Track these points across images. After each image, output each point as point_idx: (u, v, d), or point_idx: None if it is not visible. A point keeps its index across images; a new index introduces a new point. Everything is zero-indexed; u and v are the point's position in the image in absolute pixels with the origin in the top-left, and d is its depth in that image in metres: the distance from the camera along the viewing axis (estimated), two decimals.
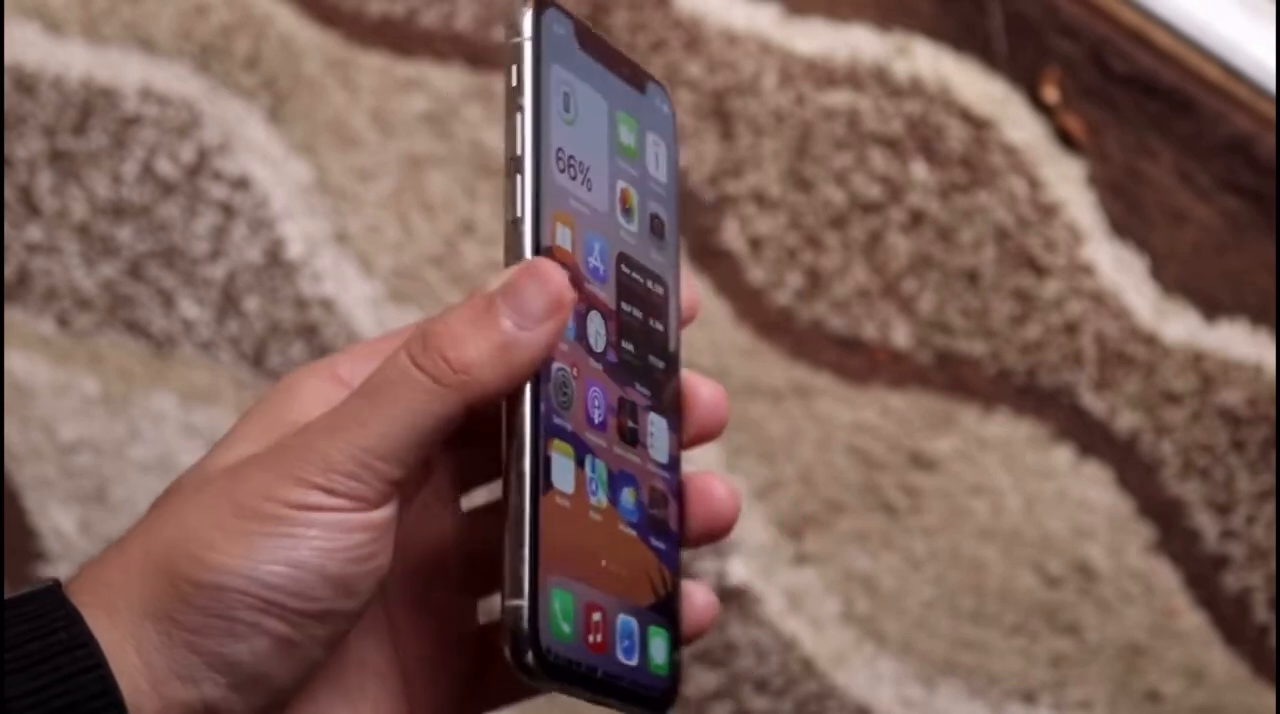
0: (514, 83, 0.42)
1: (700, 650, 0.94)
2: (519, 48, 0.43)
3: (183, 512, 0.39)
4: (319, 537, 0.38)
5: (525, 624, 0.40)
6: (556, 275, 0.41)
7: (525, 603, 0.40)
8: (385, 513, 0.39)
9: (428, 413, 0.39)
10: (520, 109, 0.42)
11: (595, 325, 0.44)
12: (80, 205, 0.99)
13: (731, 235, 0.98)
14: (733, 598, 0.94)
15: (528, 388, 0.41)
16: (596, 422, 0.43)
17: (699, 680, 0.94)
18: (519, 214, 0.42)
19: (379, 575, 0.40)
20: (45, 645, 0.37)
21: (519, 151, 0.42)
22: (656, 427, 0.46)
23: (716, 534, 0.47)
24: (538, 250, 0.42)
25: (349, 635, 0.41)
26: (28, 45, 1.01)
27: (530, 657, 0.40)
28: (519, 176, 0.42)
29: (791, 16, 1.01)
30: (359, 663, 0.43)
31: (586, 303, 0.43)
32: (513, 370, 0.40)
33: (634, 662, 0.43)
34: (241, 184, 0.99)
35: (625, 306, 0.45)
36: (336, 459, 0.38)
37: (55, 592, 0.39)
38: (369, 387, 0.40)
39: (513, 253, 0.42)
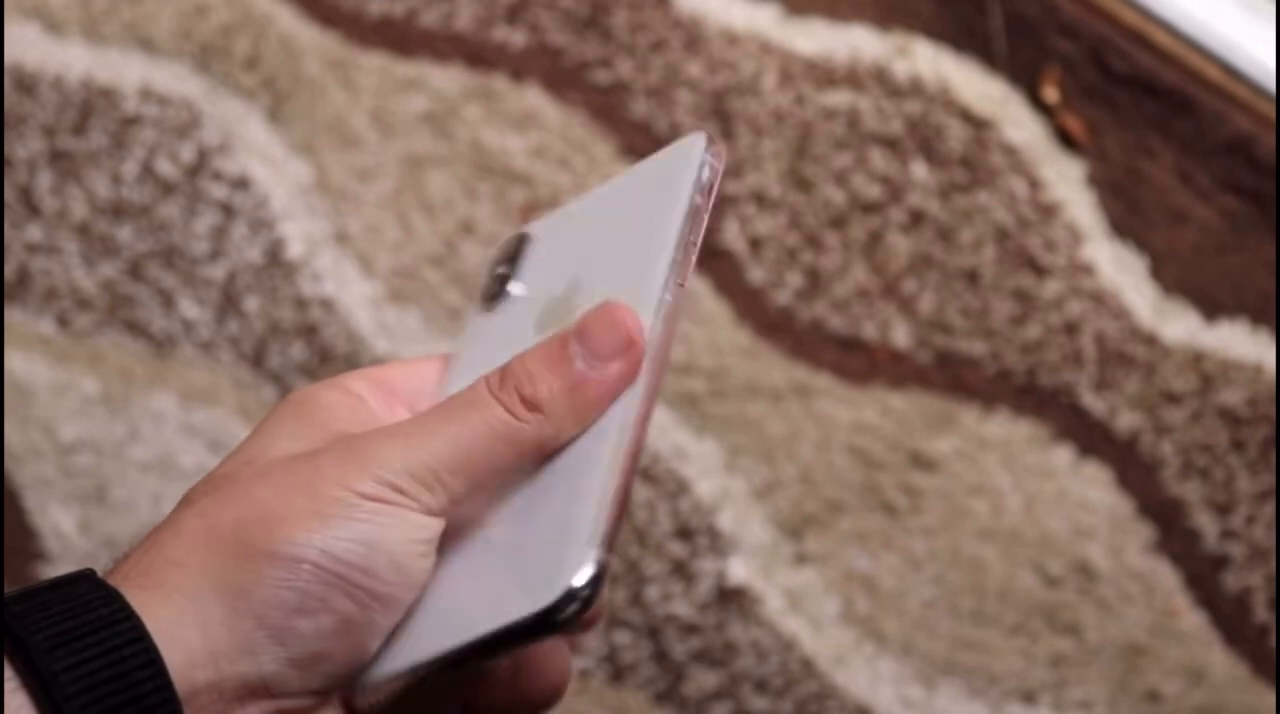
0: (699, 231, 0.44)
1: (700, 650, 0.94)
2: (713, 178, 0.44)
3: (251, 492, 0.41)
4: (387, 524, 0.40)
5: (596, 578, 0.39)
6: (628, 318, 0.42)
7: (606, 557, 0.40)
8: (439, 524, 0.41)
9: (498, 438, 0.41)
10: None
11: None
12: (80, 205, 0.99)
13: (731, 235, 0.98)
14: (733, 598, 0.94)
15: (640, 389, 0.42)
16: None
17: (699, 680, 0.94)
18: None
19: (425, 580, 0.42)
20: (84, 622, 0.38)
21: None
22: None
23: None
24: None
25: None
26: (28, 45, 1.01)
27: (585, 598, 0.39)
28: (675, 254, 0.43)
29: (791, 16, 1.01)
30: None
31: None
32: (582, 410, 0.42)
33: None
34: (241, 184, 0.99)
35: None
36: (412, 464, 0.41)
37: (90, 576, 0.40)
38: (446, 406, 0.42)
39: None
